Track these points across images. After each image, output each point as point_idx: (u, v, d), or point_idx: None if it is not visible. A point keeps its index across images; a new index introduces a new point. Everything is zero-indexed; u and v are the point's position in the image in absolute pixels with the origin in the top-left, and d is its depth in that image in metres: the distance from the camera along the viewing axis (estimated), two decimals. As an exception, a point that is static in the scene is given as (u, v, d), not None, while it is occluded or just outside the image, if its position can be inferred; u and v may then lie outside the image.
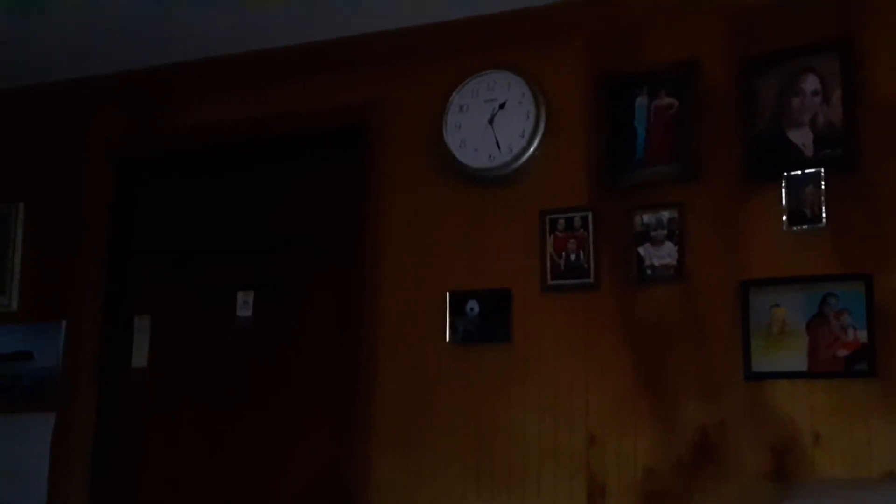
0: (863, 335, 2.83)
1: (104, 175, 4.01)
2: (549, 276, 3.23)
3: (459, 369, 3.31)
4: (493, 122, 3.37)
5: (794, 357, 2.90)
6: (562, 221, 3.24)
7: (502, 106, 3.37)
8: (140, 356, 3.89)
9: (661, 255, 3.09)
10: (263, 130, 3.79)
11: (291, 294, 3.70)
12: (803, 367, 2.89)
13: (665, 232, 3.09)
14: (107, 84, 4.02)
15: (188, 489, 3.71)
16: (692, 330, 3.05)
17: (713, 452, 2.96)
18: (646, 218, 3.12)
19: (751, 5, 3.15)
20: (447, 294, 3.35)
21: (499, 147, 3.34)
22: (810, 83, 3.01)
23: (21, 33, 3.68)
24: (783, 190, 2.97)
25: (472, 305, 3.31)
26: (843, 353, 2.86)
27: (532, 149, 3.31)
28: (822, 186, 2.92)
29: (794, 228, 2.95)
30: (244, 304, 3.74)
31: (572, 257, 3.21)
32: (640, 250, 3.12)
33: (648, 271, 3.10)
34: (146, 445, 3.82)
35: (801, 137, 3.00)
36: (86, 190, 4.02)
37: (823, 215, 2.92)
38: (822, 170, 2.93)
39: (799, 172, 2.96)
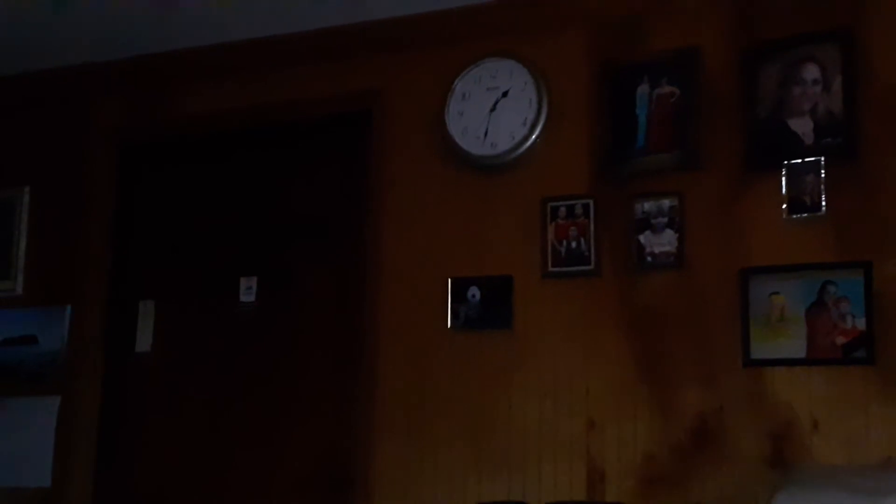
0: (861, 323, 2.85)
1: (109, 161, 4.03)
2: (550, 263, 3.25)
3: (461, 355, 3.33)
4: (496, 110, 3.38)
5: (792, 344, 2.92)
6: (563, 209, 3.26)
7: (505, 94, 3.38)
8: (144, 340, 3.91)
9: (662, 242, 3.10)
10: (266, 117, 3.81)
11: (294, 280, 3.72)
12: (802, 354, 2.91)
13: (665, 220, 3.11)
14: (111, 71, 4.03)
15: (191, 472, 3.73)
16: (692, 317, 3.07)
17: (712, 438, 2.98)
18: (646, 206, 3.13)
19: (752, -6, 3.17)
20: (449, 280, 3.37)
21: (486, 135, 3.37)
22: (811, 72, 3.02)
23: (26, 20, 3.69)
24: (783, 178, 2.98)
25: (474, 292, 3.33)
26: (841, 340, 2.87)
27: (534, 136, 3.32)
28: (822, 175, 2.94)
29: (794, 216, 2.96)
30: (248, 290, 3.76)
31: (573, 244, 3.23)
32: (641, 238, 3.13)
33: (649, 258, 3.12)
34: (150, 429, 3.84)
35: (802, 126, 3.01)
36: (90, 175, 4.04)
37: (823, 203, 2.93)
38: (822, 158, 2.94)
39: (799, 161, 2.97)
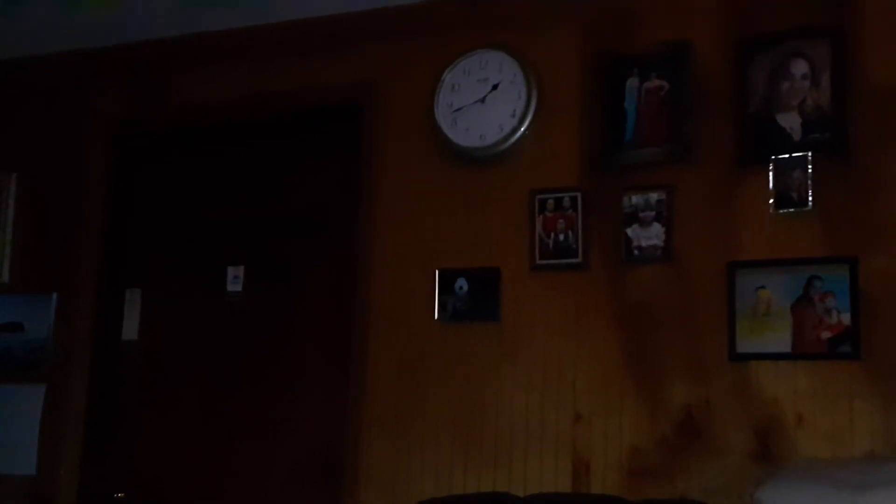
0: (847, 318, 2.86)
1: (102, 148, 4.02)
2: (537, 256, 3.25)
3: (449, 347, 3.34)
4: (485, 102, 3.38)
5: (778, 338, 2.93)
6: (551, 201, 3.26)
7: (495, 87, 3.38)
8: (131, 329, 3.91)
9: (649, 236, 3.11)
10: (258, 109, 3.80)
11: (284, 270, 3.72)
12: (787, 348, 2.92)
13: (653, 213, 3.11)
14: (105, 58, 4.01)
15: (179, 461, 3.74)
16: (679, 310, 3.07)
17: (697, 432, 2.99)
18: (634, 199, 3.14)
19: (743, -12, 3.17)
20: (436, 272, 3.37)
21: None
22: (800, 67, 3.03)
23: (21, 4, 3.67)
24: (770, 173, 2.99)
25: (461, 284, 3.33)
26: (826, 335, 2.88)
27: (523, 129, 3.32)
28: (810, 170, 2.94)
29: (781, 211, 2.97)
30: (234, 279, 3.75)
31: (561, 237, 3.23)
32: (629, 231, 3.13)
33: (636, 252, 3.12)
34: (137, 417, 3.84)
35: (790, 121, 3.02)
36: (83, 163, 4.02)
37: (810, 199, 2.94)
38: (810, 154, 2.95)
39: (787, 156, 2.98)
